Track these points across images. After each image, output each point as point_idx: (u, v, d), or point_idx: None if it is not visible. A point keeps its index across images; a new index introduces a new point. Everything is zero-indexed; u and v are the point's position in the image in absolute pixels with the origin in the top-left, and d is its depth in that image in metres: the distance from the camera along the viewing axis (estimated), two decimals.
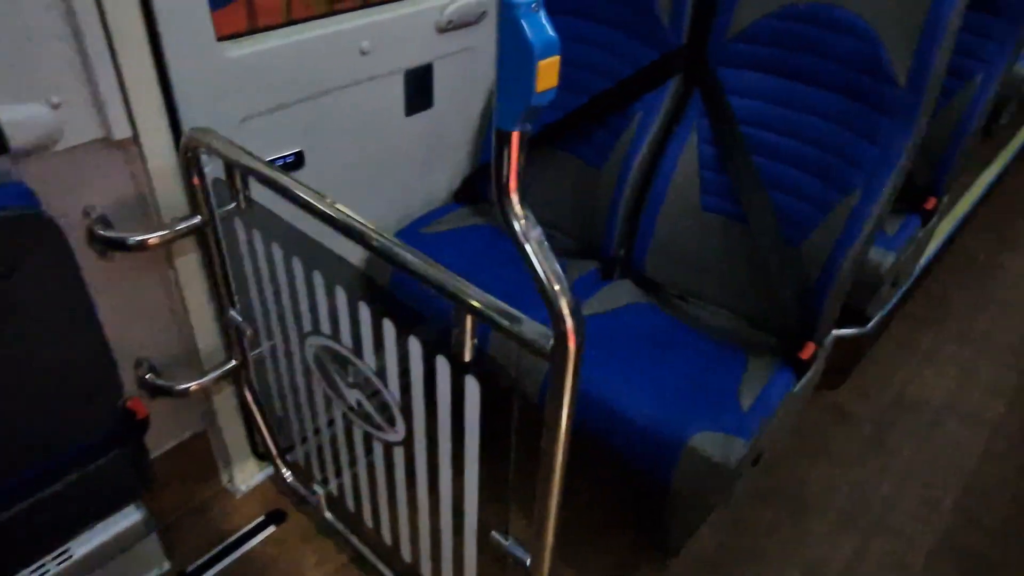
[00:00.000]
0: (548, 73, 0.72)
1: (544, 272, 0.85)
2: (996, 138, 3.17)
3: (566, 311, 0.86)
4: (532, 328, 0.94)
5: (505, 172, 0.80)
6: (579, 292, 1.82)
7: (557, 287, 0.86)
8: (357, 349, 1.24)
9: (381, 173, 1.89)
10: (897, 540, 1.86)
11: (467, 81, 1.97)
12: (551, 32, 0.71)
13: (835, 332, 1.76)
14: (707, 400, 1.52)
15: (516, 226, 0.83)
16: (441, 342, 1.08)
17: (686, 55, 1.73)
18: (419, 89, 1.85)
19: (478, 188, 2.08)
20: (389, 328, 1.15)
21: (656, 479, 1.51)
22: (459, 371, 1.05)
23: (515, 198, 0.82)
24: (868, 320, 2.13)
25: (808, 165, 1.59)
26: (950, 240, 2.77)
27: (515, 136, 0.78)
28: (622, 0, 1.80)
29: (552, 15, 1.97)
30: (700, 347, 1.68)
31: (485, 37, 1.93)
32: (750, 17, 1.63)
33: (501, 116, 0.77)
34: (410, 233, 1.97)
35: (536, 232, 0.84)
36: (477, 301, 0.98)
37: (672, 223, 1.78)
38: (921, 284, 2.64)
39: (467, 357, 1.03)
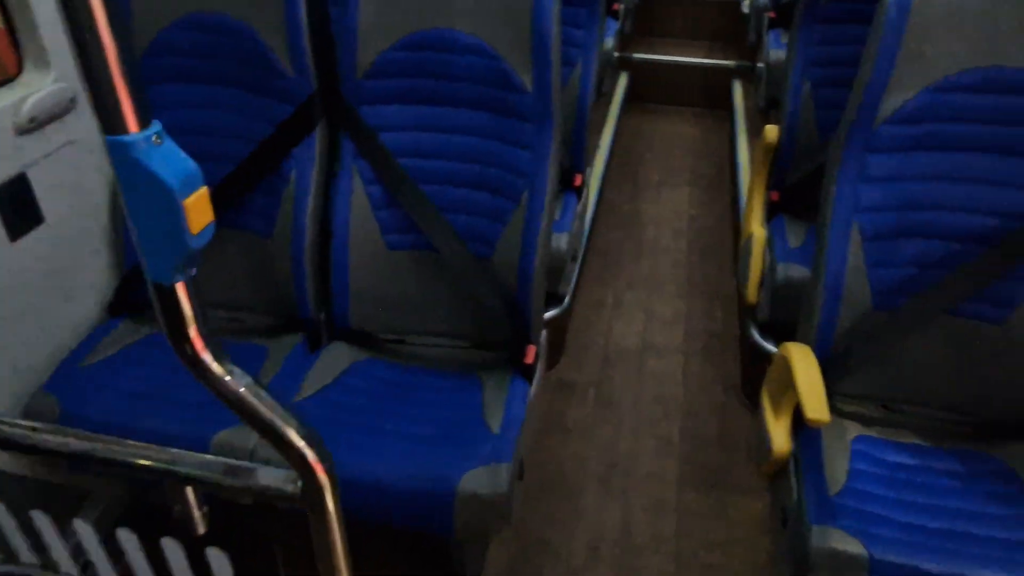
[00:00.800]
0: (200, 208, 0.60)
1: (267, 421, 0.72)
2: (602, 103, 3.63)
3: (304, 446, 0.75)
4: (270, 475, 0.81)
5: (184, 334, 0.66)
6: (291, 371, 1.67)
7: (286, 428, 0.74)
8: (48, 563, 0.98)
9: (3, 318, 1.53)
10: (650, 483, 2.05)
11: (80, 180, 1.67)
12: (189, 161, 0.59)
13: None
14: (460, 438, 1.49)
15: (221, 388, 0.69)
16: (161, 521, 0.89)
17: (322, 101, 1.66)
18: (17, 207, 1.52)
19: (136, 294, 1.79)
20: (84, 528, 0.91)
21: (438, 533, 1.46)
22: (196, 548, 0.88)
23: (207, 357, 0.68)
24: (562, 298, 2.29)
25: (475, 182, 1.62)
26: (598, 201, 3.10)
27: (180, 288, 0.64)
28: (232, 58, 1.66)
29: (160, 83, 1.73)
30: (435, 385, 1.65)
31: (86, 125, 1.65)
32: (373, 53, 1.60)
33: (155, 270, 0.63)
34: (68, 372, 1.63)
35: (245, 381, 0.71)
36: (192, 469, 0.82)
37: (364, 270, 1.71)
38: (589, 248, 2.92)
39: (201, 530, 0.86)
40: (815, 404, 1.33)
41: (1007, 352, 1.50)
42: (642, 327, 2.62)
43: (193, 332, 0.66)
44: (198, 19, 1.64)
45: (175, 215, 0.58)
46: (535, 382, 1.66)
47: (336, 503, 0.80)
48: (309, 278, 1.72)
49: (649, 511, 1.98)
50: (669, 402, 2.31)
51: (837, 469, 1.44)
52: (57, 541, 0.94)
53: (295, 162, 1.68)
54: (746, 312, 2.21)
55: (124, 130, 0.56)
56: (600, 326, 2.61)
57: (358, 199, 1.68)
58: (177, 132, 1.80)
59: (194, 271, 0.64)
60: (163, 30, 1.65)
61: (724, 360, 2.46)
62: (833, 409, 1.55)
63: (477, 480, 1.39)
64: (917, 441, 1.54)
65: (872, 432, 1.54)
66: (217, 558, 0.87)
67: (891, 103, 1.44)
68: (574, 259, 2.35)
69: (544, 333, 1.78)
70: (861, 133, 1.48)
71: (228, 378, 0.70)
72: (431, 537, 1.73)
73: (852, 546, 1.28)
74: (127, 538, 0.90)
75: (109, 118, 0.56)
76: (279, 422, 0.73)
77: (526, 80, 1.54)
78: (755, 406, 1.72)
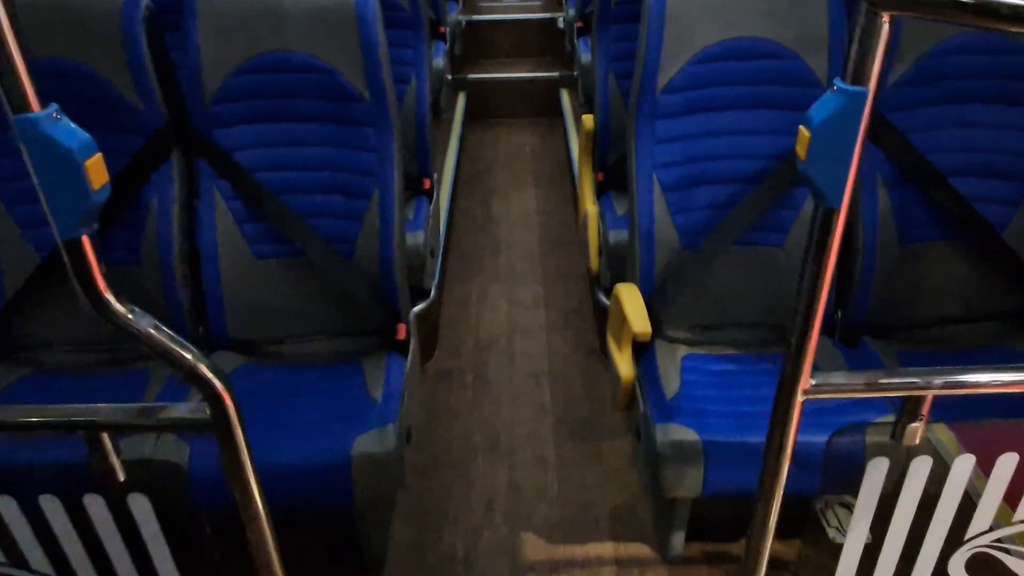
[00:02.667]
0: (97, 170, 0.75)
1: (172, 351, 0.87)
2: (444, 123, 3.89)
3: (210, 374, 0.90)
4: (179, 409, 0.94)
5: (90, 280, 0.80)
6: (174, 387, 1.76)
7: (190, 357, 0.89)
8: None
9: None
10: (531, 444, 2.27)
11: None
12: (84, 133, 0.74)
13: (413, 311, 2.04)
14: (347, 412, 1.65)
15: (128, 326, 0.83)
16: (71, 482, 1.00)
17: (173, 130, 1.78)
18: None
19: (3, 338, 1.82)
20: (5, 502, 1.00)
21: (340, 503, 1.59)
22: (119, 496, 0.99)
23: (111, 298, 0.82)
24: (428, 292, 2.48)
25: (329, 188, 1.79)
26: (453, 209, 3.34)
27: (85, 240, 0.79)
28: (74, 99, 1.73)
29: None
30: (317, 377, 1.79)
31: None
32: (217, 81, 1.74)
33: (63, 227, 0.77)
34: None
35: (147, 320, 0.86)
36: (108, 417, 0.94)
37: (235, 282, 1.82)
38: (450, 251, 3.14)
39: (121, 477, 0.98)
40: (639, 320, 1.60)
41: (788, 268, 1.83)
42: (507, 314, 2.85)
43: (99, 278, 0.80)
44: (48, 63, 1.72)
45: (78, 176, 0.73)
46: (410, 356, 1.84)
47: (243, 427, 0.95)
48: (182, 296, 1.82)
49: (532, 468, 2.19)
50: (539, 373, 2.55)
51: (671, 381, 1.71)
52: None
53: (154, 190, 1.78)
54: (592, 280, 2.50)
55: (29, 109, 0.71)
56: (469, 318, 2.83)
57: (222, 216, 1.80)
58: (25, 176, 1.87)
59: (96, 226, 0.78)
60: None
61: (582, 330, 2.74)
62: (663, 336, 1.83)
63: (368, 443, 1.55)
64: (734, 352, 1.85)
65: (697, 351, 1.84)
66: (138, 502, 0.99)
67: (665, 77, 1.76)
68: (433, 255, 2.56)
69: (414, 320, 1.97)
70: (647, 103, 1.78)
71: (131, 316, 0.84)
72: (335, 521, 1.85)
73: (687, 435, 1.55)
74: (50, 504, 1.00)
75: (16, 100, 0.71)
76: (186, 354, 0.88)
77: (362, 89, 1.74)
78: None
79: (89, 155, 0.74)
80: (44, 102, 1.73)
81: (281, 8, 1.72)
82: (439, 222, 2.80)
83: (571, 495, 2.10)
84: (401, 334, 1.81)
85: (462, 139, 3.97)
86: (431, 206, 2.51)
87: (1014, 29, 0.66)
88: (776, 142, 1.77)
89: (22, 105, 0.72)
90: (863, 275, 1.80)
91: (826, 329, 1.86)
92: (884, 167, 1.76)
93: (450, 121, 3.98)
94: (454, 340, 2.71)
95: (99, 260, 0.80)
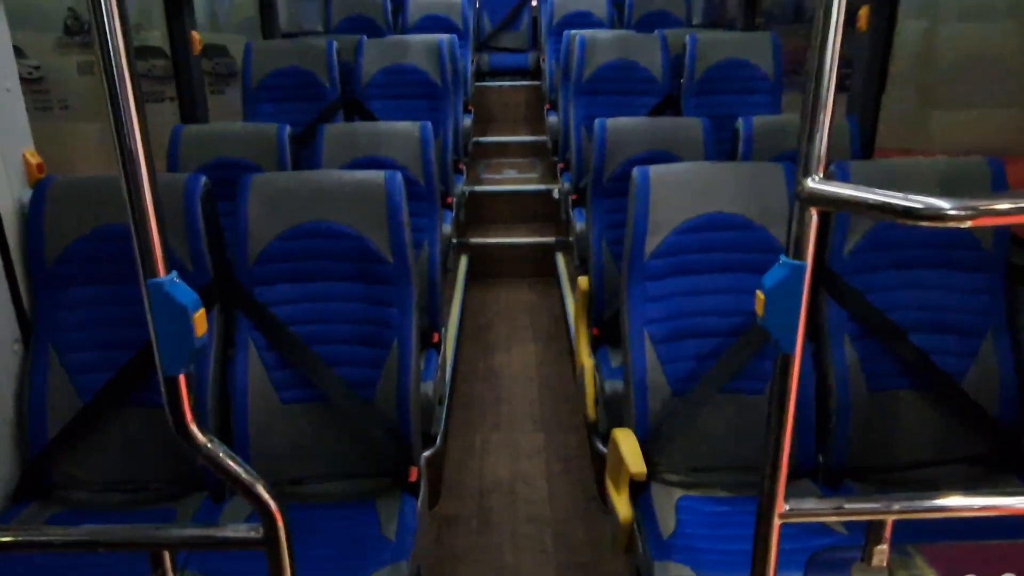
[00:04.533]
0: (200, 321, 0.95)
1: (239, 475, 1.02)
2: (449, 281, 4.18)
3: (266, 495, 1.04)
4: (235, 529, 1.08)
5: (180, 412, 0.97)
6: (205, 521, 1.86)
7: (252, 481, 1.03)
8: None
9: None
10: None
11: None
12: (193, 293, 0.95)
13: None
14: (361, 549, 1.74)
15: (206, 452, 1.00)
16: None
17: (218, 288, 2.00)
18: None
19: (43, 479, 1.94)
20: None
21: None
22: None
23: (194, 428, 0.99)
24: (435, 439, 2.61)
25: (355, 338, 2.00)
26: (457, 361, 3.53)
27: (182, 379, 0.97)
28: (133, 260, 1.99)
29: (70, 287, 2.05)
30: (333, 515, 1.89)
31: None
32: (261, 244, 2.00)
33: (168, 365, 0.95)
34: None
35: (223, 448, 1.02)
36: (170, 537, 1.07)
37: (262, 426, 1.97)
38: (455, 401, 3.29)
39: None
40: (635, 461, 1.74)
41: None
42: (509, 461, 2.96)
43: (187, 410, 0.97)
44: (104, 231, 1.98)
45: (187, 325, 0.92)
46: (420, 498, 1.95)
47: (291, 547, 1.08)
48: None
49: None
50: (541, 519, 2.63)
51: (667, 521, 1.82)
52: None
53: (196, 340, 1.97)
54: (590, 428, 2.64)
55: (157, 275, 0.92)
56: (473, 465, 2.93)
57: (254, 364, 1.98)
58: (88, 327, 2.10)
59: (192, 367, 0.97)
60: (75, 241, 1.96)
61: (581, 477, 2.84)
62: (658, 479, 1.96)
63: None
64: (726, 495, 1.97)
65: (691, 492, 1.96)
66: None
67: (652, 244, 2.02)
68: (440, 403, 2.72)
69: (423, 460, 2.10)
70: (637, 268, 2.03)
71: (210, 445, 1.00)
72: None
73: (684, 572, 1.65)
74: None
75: (149, 268, 0.92)
76: (249, 479, 1.03)
77: (386, 253, 1.99)
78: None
79: (197, 309, 0.94)
80: (107, 259, 1.98)
81: (321, 186, 2.00)
82: (446, 372, 2.99)
83: None
84: (413, 476, 1.93)
85: (465, 297, 4.24)
86: (439, 358, 2.71)
87: (908, 223, 0.88)
88: (751, 300, 2.00)
89: (154, 272, 0.93)
90: (839, 421, 1.96)
91: (810, 473, 1.99)
92: (849, 325, 1.97)
93: (454, 280, 4.27)
94: (459, 486, 2.80)
95: (190, 397, 0.98)
